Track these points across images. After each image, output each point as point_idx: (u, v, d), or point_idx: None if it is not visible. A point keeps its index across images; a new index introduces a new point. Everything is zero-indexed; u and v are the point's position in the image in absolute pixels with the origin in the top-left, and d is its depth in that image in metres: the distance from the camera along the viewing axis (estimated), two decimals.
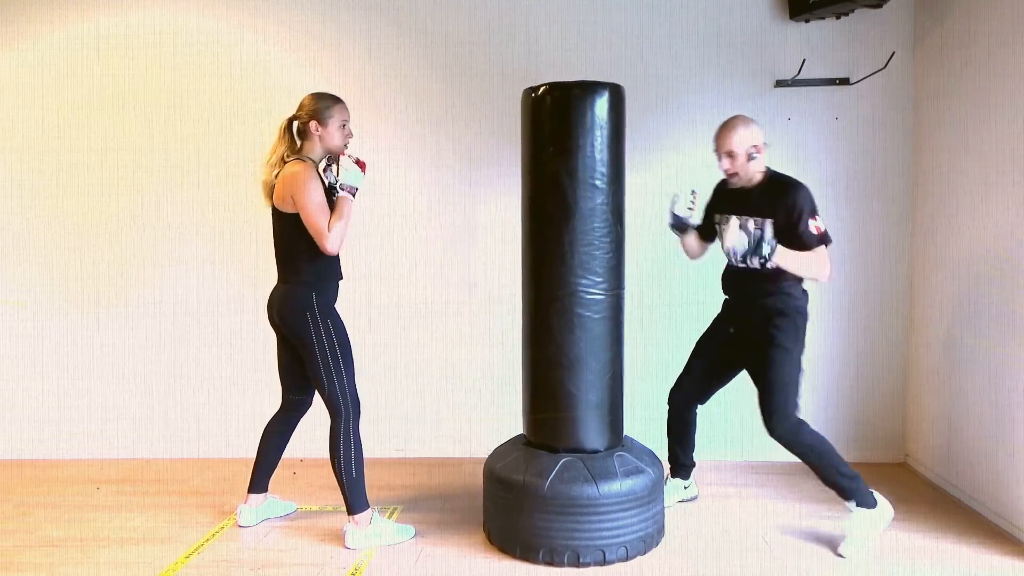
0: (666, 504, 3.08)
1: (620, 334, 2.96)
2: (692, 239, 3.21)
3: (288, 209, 2.81)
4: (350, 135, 2.95)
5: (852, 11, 3.66)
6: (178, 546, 2.97)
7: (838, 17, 3.72)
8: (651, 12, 3.88)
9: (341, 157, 2.86)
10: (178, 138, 4.03)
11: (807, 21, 3.76)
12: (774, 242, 2.81)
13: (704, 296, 3.88)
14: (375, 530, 2.95)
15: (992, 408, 3.12)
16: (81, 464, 4.01)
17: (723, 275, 3.14)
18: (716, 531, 3.06)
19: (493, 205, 3.96)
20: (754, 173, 2.92)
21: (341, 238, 2.80)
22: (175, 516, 3.27)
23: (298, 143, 2.92)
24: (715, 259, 3.89)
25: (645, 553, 2.82)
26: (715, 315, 3.21)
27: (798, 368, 2.91)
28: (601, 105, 2.81)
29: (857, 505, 2.87)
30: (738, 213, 2.94)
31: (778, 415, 2.85)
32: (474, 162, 3.97)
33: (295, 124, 2.91)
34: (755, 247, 2.82)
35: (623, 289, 2.96)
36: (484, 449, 3.42)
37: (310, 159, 2.88)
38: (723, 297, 3.16)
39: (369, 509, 2.97)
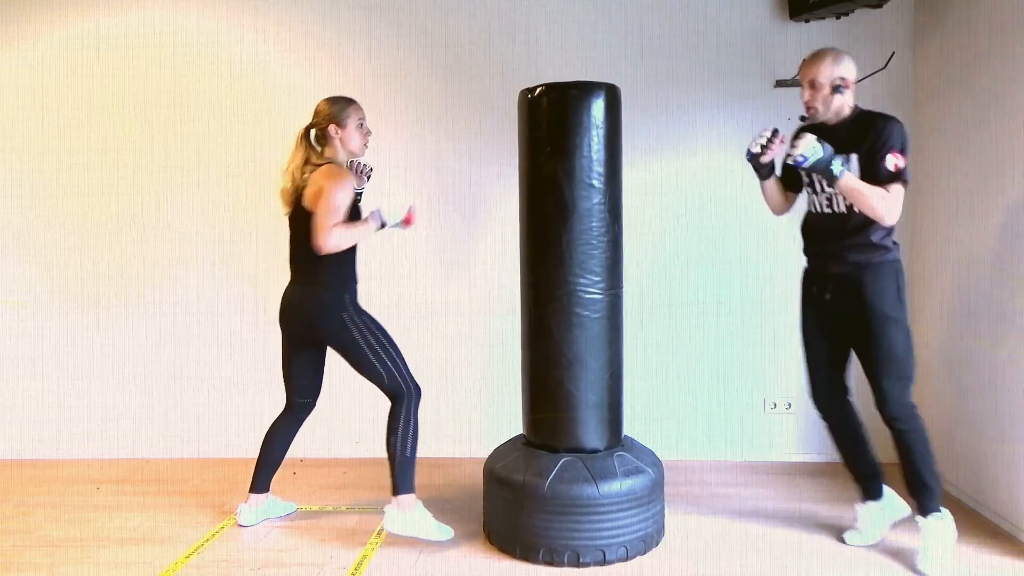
0: (871, 540, 2.86)
1: (619, 333, 2.96)
2: (772, 184, 2.92)
3: None
4: (369, 133, 2.99)
5: (852, 11, 3.66)
6: (178, 546, 2.97)
7: (838, 17, 3.72)
8: (651, 12, 3.87)
9: (408, 204, 2.91)
10: (178, 138, 4.04)
11: (807, 21, 3.76)
12: (850, 165, 2.61)
13: (704, 296, 3.90)
14: (416, 516, 2.89)
15: (992, 408, 3.11)
16: (81, 464, 4.01)
17: (803, 223, 2.89)
18: (716, 531, 3.06)
19: (493, 205, 3.96)
20: (841, 107, 2.71)
21: (337, 244, 2.78)
22: (175, 516, 3.27)
23: (318, 149, 2.93)
24: (715, 259, 3.91)
25: (645, 553, 2.82)
26: (800, 298, 2.92)
27: (907, 334, 2.67)
28: (597, 106, 2.81)
29: (932, 511, 2.69)
30: None
31: (892, 397, 2.62)
32: (474, 162, 3.97)
33: (313, 132, 2.93)
34: (827, 162, 2.56)
35: (621, 288, 2.96)
36: (484, 449, 3.42)
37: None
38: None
39: (414, 495, 2.93)
